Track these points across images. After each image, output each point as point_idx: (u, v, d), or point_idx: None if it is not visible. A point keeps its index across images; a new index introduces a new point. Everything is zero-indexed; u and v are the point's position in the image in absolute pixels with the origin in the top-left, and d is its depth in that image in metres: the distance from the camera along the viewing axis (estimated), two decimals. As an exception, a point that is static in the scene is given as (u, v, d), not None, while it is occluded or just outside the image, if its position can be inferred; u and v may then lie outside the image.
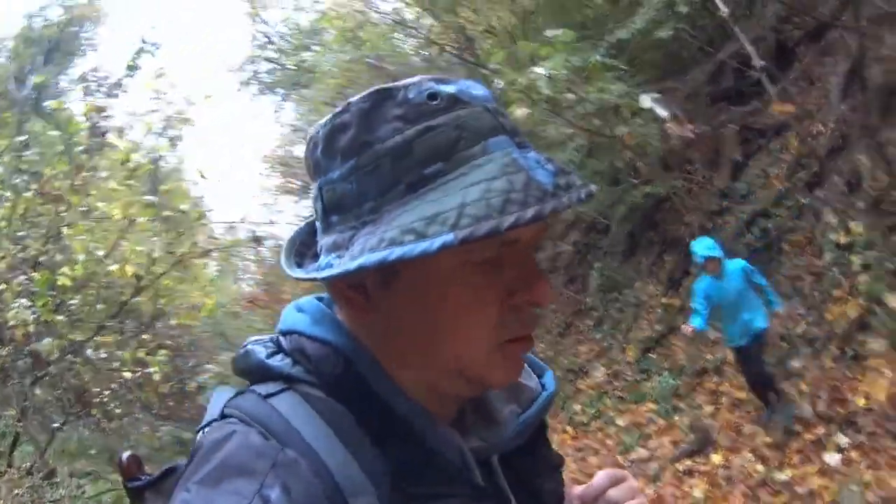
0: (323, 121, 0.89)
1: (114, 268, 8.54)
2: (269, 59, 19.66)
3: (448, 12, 13.35)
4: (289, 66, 19.08)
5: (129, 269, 8.48)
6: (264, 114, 66.00)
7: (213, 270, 20.43)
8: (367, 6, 15.70)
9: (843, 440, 5.77)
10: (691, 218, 10.04)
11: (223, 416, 0.86)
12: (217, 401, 0.89)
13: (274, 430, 0.81)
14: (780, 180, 8.88)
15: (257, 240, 12.35)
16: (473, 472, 0.89)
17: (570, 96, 8.47)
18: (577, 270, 13.14)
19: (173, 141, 11.42)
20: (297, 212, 22.64)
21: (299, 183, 20.70)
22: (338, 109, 0.87)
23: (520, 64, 8.98)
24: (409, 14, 15.87)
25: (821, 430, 6.04)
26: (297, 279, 0.90)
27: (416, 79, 0.86)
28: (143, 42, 8.87)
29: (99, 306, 9.24)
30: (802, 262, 7.87)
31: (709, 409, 7.80)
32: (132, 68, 8.92)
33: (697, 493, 6.42)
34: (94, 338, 8.91)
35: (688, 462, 7.14)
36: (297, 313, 0.94)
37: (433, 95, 0.83)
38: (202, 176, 12.38)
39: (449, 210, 0.76)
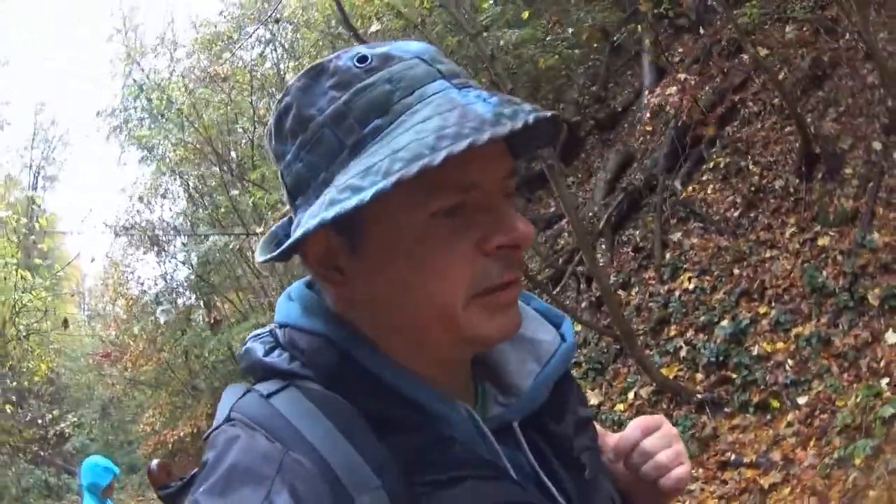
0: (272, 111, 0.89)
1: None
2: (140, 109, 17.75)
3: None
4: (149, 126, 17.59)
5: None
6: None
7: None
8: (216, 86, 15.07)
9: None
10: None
11: (229, 419, 0.85)
12: (225, 402, 0.87)
13: (276, 431, 0.80)
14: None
15: (65, 322, 13.66)
16: (489, 441, 0.87)
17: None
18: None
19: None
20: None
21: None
22: (280, 95, 0.88)
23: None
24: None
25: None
26: (261, 262, 0.90)
27: (347, 50, 0.86)
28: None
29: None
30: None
31: None
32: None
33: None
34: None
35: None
36: (289, 302, 0.93)
37: (363, 59, 0.83)
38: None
39: (382, 159, 0.75)
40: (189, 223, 18.07)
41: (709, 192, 8.43)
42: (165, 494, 0.97)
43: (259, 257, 0.92)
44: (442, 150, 0.72)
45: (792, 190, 7.45)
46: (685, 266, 7.75)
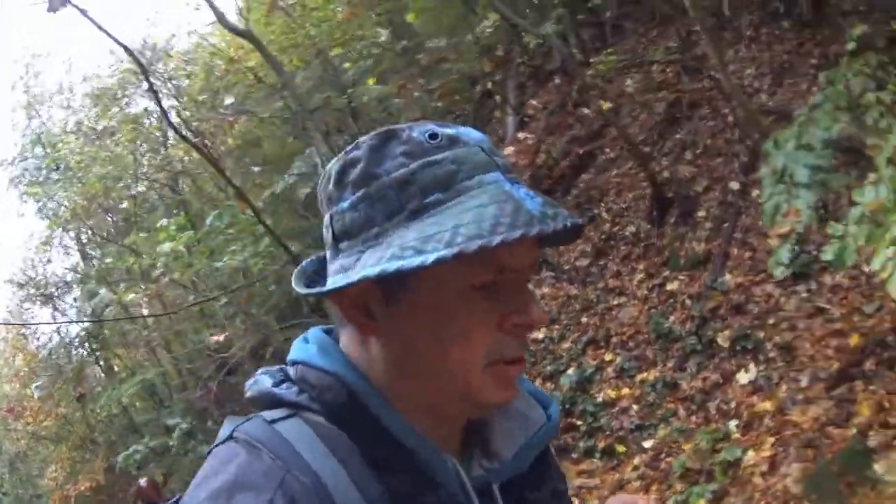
0: (335, 159, 0.97)
1: None
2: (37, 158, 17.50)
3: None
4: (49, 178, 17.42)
5: None
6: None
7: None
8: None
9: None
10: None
11: (231, 438, 0.90)
12: (227, 426, 0.92)
13: (279, 452, 0.85)
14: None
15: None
16: (471, 498, 0.93)
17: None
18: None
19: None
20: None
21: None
22: (349, 147, 0.96)
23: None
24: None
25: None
26: (304, 295, 0.98)
27: (419, 123, 0.95)
28: None
29: None
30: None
31: None
32: None
33: None
34: None
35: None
36: (305, 344, 0.99)
37: (434, 135, 0.92)
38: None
39: (444, 231, 0.84)
40: (79, 278, 18.01)
41: (559, 240, 8.56)
42: None
43: (300, 289, 0.99)
44: (498, 236, 0.82)
45: (643, 236, 7.60)
46: (535, 317, 7.90)
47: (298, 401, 0.92)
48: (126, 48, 8.44)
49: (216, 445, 0.91)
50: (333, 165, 0.96)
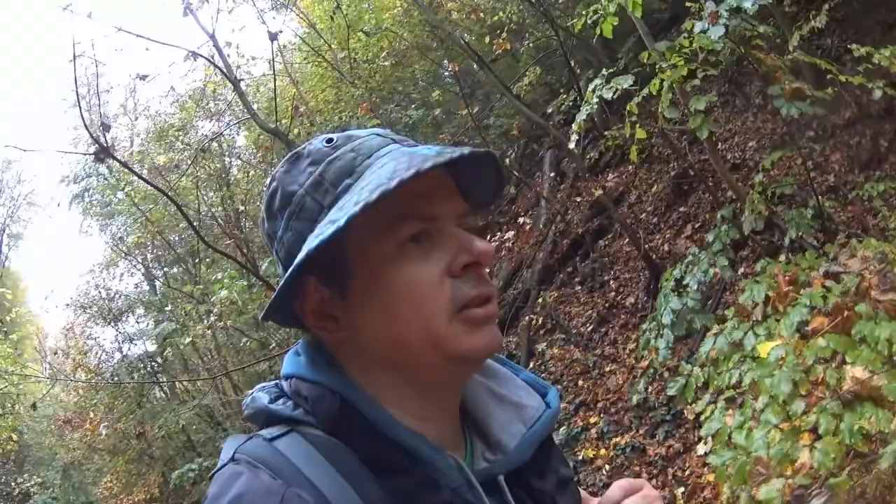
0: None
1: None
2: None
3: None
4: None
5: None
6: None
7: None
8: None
9: None
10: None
11: (233, 460, 0.91)
12: (229, 447, 0.93)
13: (279, 470, 0.86)
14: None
15: (33, 406, 14.58)
16: (476, 491, 0.92)
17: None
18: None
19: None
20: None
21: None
22: (268, 182, 1.01)
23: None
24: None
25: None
26: (263, 318, 1.01)
27: (317, 136, 1.02)
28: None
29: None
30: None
31: None
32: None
33: None
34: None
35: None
36: (296, 357, 1.01)
37: (330, 140, 0.98)
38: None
39: (351, 198, 0.90)
40: (143, 301, 18.62)
41: (574, 304, 8.91)
42: None
43: (261, 315, 1.02)
44: (395, 178, 0.85)
45: (640, 306, 7.96)
46: (542, 376, 7.88)
47: (294, 415, 0.93)
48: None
49: (219, 468, 0.91)
50: (262, 206, 1.02)
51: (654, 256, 8.08)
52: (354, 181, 0.93)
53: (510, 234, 9.98)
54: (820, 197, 6.02)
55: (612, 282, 8.74)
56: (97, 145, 6.07)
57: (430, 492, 0.89)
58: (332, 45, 13.67)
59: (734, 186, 6.87)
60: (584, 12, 5.80)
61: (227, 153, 15.98)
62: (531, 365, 8.72)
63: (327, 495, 0.85)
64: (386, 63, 12.65)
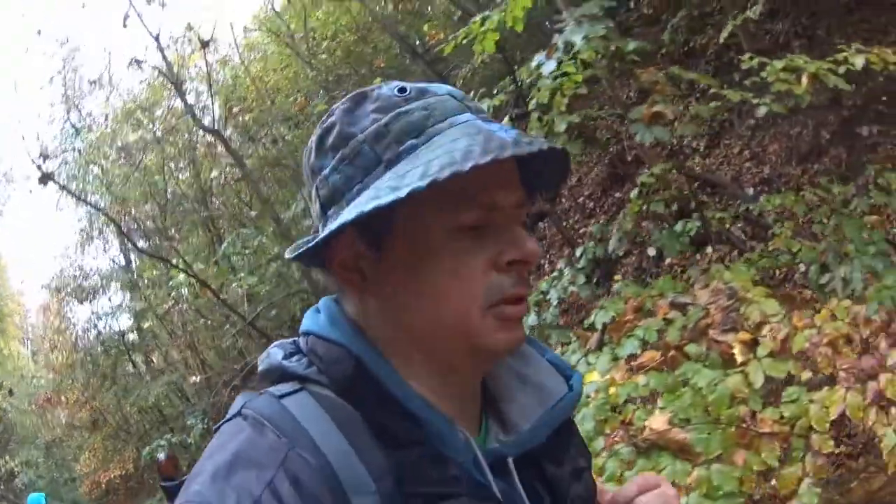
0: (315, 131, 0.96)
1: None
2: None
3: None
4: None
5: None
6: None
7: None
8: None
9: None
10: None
11: (240, 414, 0.89)
12: (238, 401, 0.91)
13: (284, 429, 0.83)
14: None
15: (10, 392, 14.62)
16: (483, 469, 0.90)
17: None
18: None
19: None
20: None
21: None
22: (325, 116, 0.95)
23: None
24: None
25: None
26: (292, 259, 0.96)
27: (388, 82, 0.95)
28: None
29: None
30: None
31: None
32: None
33: None
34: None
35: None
36: (316, 314, 0.98)
37: (403, 89, 0.92)
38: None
39: (418, 167, 0.83)
40: (117, 277, 18.76)
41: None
42: (168, 486, 0.99)
43: (288, 254, 0.98)
44: (470, 161, 0.81)
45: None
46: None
47: (307, 374, 0.91)
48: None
49: (225, 420, 0.90)
50: (313, 137, 0.96)
51: (580, 242, 7.92)
52: (421, 143, 0.88)
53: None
54: (702, 208, 5.87)
55: (547, 266, 8.70)
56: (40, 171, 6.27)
57: (436, 465, 0.86)
58: (290, 26, 13.75)
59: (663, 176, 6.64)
60: (452, 35, 5.70)
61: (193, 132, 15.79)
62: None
63: (330, 459, 0.82)
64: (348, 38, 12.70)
